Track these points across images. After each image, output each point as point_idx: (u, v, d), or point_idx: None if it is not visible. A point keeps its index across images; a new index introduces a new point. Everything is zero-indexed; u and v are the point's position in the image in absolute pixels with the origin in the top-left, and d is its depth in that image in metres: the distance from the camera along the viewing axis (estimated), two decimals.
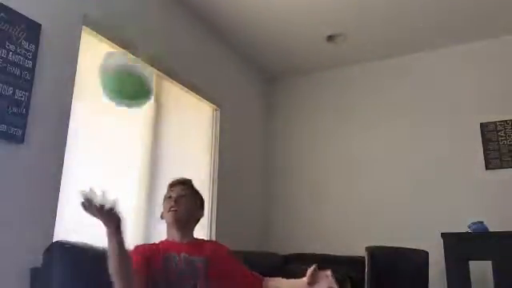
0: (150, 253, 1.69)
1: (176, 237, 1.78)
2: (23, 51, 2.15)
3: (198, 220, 1.85)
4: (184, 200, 1.78)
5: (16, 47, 2.12)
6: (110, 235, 1.41)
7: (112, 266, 1.43)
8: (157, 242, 1.82)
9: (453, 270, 2.91)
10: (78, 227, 2.39)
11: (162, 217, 1.86)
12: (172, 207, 1.75)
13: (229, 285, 1.69)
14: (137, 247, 1.71)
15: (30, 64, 2.17)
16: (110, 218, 1.38)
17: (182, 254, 1.68)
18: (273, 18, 3.68)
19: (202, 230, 3.49)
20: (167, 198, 1.82)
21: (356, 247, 3.39)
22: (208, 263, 1.68)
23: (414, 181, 3.91)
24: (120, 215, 1.39)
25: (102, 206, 1.34)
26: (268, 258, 3.50)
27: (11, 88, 2.07)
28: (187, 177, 1.95)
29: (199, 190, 1.90)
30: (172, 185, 1.86)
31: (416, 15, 3.61)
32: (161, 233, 2.99)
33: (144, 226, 2.90)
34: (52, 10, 2.39)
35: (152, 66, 3.14)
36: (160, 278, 1.61)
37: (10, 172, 2.05)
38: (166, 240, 1.82)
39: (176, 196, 1.78)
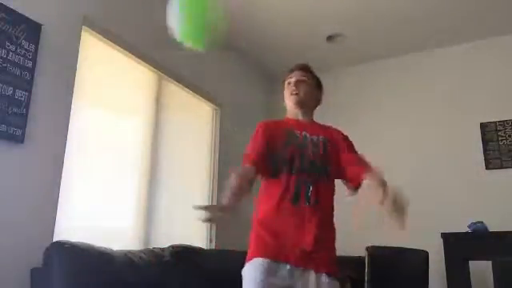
0: (274, 127, 1.77)
1: (298, 118, 1.83)
2: (23, 51, 2.16)
3: (318, 102, 1.92)
4: (304, 84, 1.83)
5: (16, 47, 2.13)
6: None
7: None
8: (277, 120, 1.89)
9: (453, 270, 2.91)
10: (78, 227, 2.40)
11: (283, 101, 1.92)
12: (293, 91, 1.82)
13: (340, 168, 1.74)
14: (260, 127, 1.77)
15: (30, 64, 2.18)
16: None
17: (304, 132, 1.74)
18: (273, 19, 3.68)
19: (202, 230, 3.49)
20: (287, 84, 1.87)
21: (356, 247, 3.39)
22: (327, 143, 1.75)
23: (414, 180, 3.90)
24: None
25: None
26: None
27: (11, 88, 2.08)
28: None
29: (316, 73, 1.95)
30: (291, 70, 1.90)
31: (416, 15, 3.60)
32: (161, 233, 3.01)
33: (144, 225, 2.90)
34: (52, 10, 2.39)
35: (152, 66, 3.15)
36: (282, 151, 1.67)
37: (10, 172, 2.06)
38: (287, 119, 1.87)
39: (295, 80, 1.84)
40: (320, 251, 1.57)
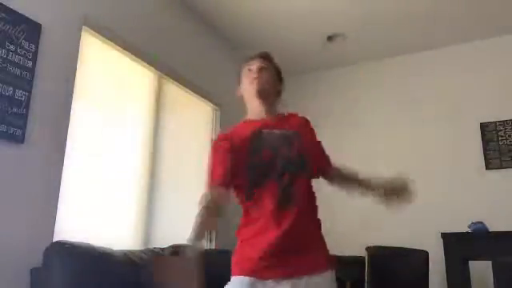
0: (235, 136, 1.60)
1: (261, 111, 1.67)
2: (23, 51, 2.16)
3: (279, 95, 1.74)
4: (265, 72, 1.68)
5: (16, 47, 2.12)
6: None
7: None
8: (234, 126, 1.72)
9: (453, 270, 2.91)
10: (78, 227, 2.40)
11: (239, 95, 1.77)
12: (254, 78, 1.66)
13: (313, 160, 1.61)
14: (217, 145, 1.60)
15: (29, 64, 2.18)
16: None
17: (273, 131, 1.58)
18: (273, 19, 3.67)
19: None
20: (246, 71, 1.71)
21: (356, 247, 3.38)
22: (300, 136, 1.60)
23: (414, 180, 3.90)
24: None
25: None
26: None
27: (11, 88, 2.08)
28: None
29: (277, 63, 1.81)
30: (251, 58, 1.75)
31: (416, 15, 3.60)
32: (161, 233, 3.01)
33: (144, 225, 2.90)
34: (52, 10, 2.39)
35: (152, 66, 3.15)
36: (255, 158, 1.51)
37: (10, 172, 2.05)
38: (248, 120, 1.70)
39: (257, 67, 1.68)
40: (300, 252, 1.45)
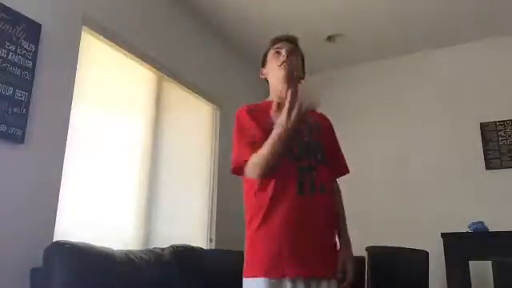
0: (257, 111, 1.57)
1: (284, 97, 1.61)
2: (23, 51, 2.15)
3: (302, 79, 1.70)
4: (294, 58, 1.65)
5: (16, 47, 2.12)
6: (283, 130, 1.29)
7: (269, 151, 1.35)
8: (257, 103, 1.66)
9: (453, 270, 2.91)
10: (78, 227, 2.40)
11: (262, 76, 1.73)
12: (283, 62, 1.62)
13: (330, 160, 1.58)
14: (241, 114, 1.55)
15: (30, 64, 2.17)
16: (299, 119, 1.28)
17: None
18: (273, 19, 3.67)
19: (201, 229, 3.49)
20: (274, 53, 1.68)
21: (356, 247, 3.38)
22: (321, 127, 1.60)
23: (414, 180, 3.91)
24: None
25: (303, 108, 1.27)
26: None
27: (11, 88, 2.07)
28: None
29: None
30: (278, 40, 1.71)
31: (415, 15, 3.60)
32: (161, 233, 3.01)
33: (144, 225, 2.90)
34: (52, 10, 2.39)
35: (152, 66, 3.15)
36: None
37: (10, 172, 2.05)
38: (272, 101, 1.61)
39: (286, 51, 1.64)
40: (332, 251, 1.46)
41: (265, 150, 1.36)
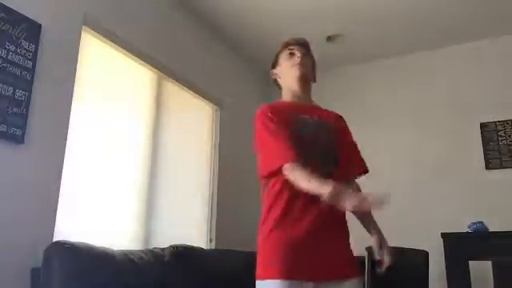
0: (278, 111, 1.55)
1: (299, 96, 1.65)
2: (23, 51, 2.16)
3: (313, 82, 1.76)
4: (307, 59, 1.70)
5: (16, 47, 2.12)
6: (322, 194, 1.26)
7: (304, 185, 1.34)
8: (273, 104, 1.65)
9: (453, 270, 2.91)
10: (78, 227, 2.40)
11: (275, 80, 1.76)
12: (298, 63, 1.65)
13: (346, 156, 1.61)
14: (265, 113, 1.53)
15: (29, 64, 2.18)
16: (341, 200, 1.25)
17: (313, 117, 1.57)
18: (273, 19, 3.67)
19: (202, 230, 3.49)
20: (287, 55, 1.70)
21: (356, 247, 3.38)
22: (337, 129, 1.63)
23: (414, 180, 3.91)
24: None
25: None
26: None
27: (11, 88, 2.08)
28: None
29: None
30: (290, 43, 1.74)
31: (416, 15, 3.60)
32: (161, 233, 3.01)
33: (144, 225, 2.90)
34: (52, 10, 2.39)
35: (152, 66, 3.15)
36: (294, 140, 1.46)
37: (10, 172, 2.05)
38: (286, 102, 1.66)
39: (301, 53, 1.68)
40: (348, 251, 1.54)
41: (304, 184, 1.34)
